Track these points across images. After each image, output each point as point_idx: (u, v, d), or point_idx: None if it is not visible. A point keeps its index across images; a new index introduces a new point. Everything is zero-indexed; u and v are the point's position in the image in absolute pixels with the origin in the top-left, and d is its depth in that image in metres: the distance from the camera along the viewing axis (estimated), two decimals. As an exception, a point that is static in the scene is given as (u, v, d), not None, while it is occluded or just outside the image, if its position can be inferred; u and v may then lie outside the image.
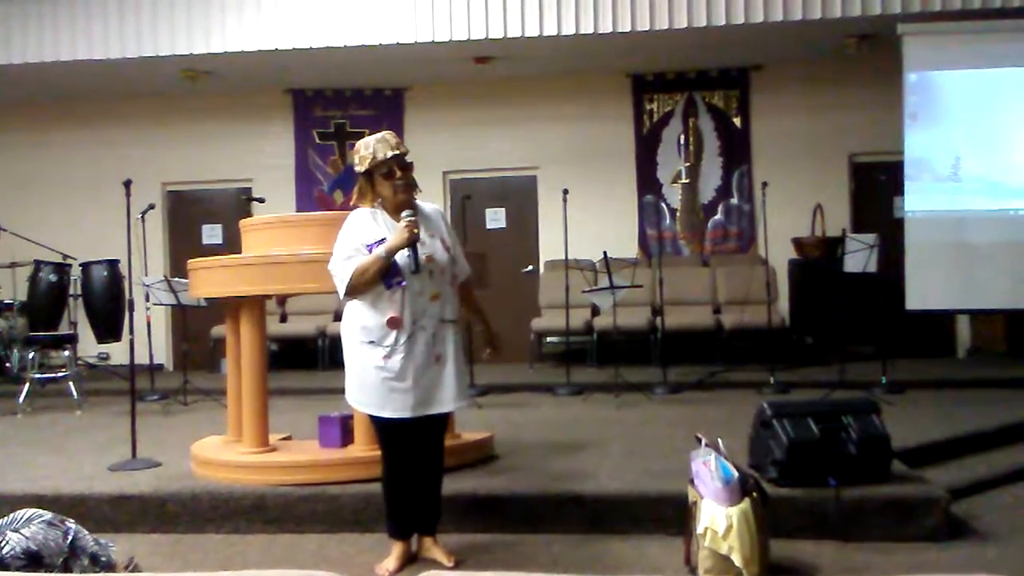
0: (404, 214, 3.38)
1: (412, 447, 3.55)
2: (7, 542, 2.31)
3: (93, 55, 8.34)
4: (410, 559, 3.61)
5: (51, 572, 2.32)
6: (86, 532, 2.50)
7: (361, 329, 3.48)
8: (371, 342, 3.44)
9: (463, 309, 3.71)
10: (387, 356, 3.43)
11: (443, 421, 3.71)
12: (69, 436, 5.97)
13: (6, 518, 2.43)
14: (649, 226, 9.53)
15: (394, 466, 3.59)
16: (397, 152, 3.43)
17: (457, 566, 3.52)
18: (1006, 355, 8.40)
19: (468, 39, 8.04)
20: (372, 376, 3.46)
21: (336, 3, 8.10)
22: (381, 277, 3.38)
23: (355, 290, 3.41)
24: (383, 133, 3.51)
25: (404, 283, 3.38)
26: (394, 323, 3.41)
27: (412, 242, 3.35)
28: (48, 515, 2.45)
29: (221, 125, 9.91)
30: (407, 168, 3.48)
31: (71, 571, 2.37)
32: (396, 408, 3.46)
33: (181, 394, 7.35)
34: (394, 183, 3.44)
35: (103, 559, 2.50)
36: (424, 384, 3.46)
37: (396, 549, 3.61)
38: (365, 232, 3.45)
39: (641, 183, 9.57)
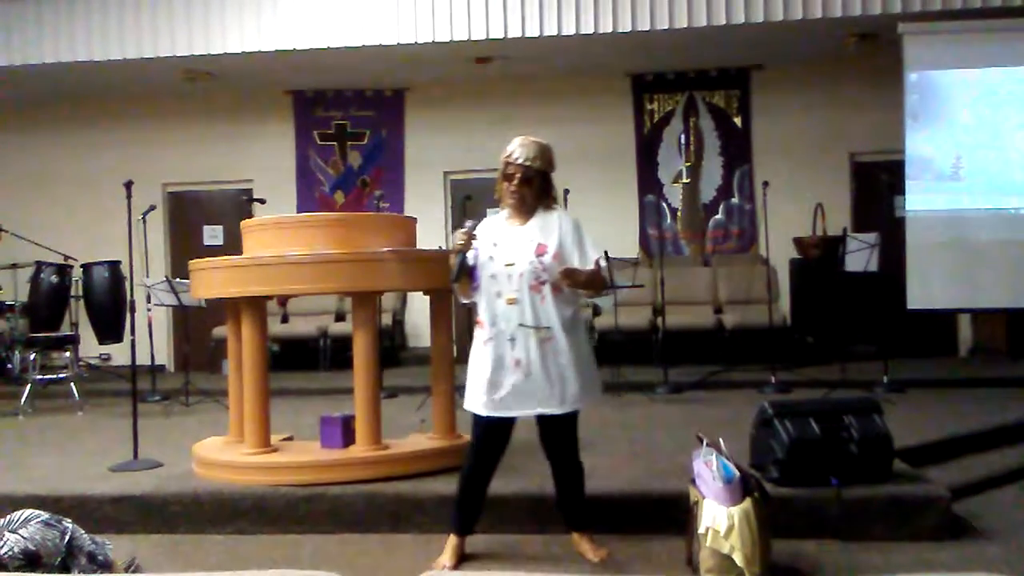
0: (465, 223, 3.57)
1: (491, 446, 3.59)
2: (5, 543, 2.31)
3: (94, 56, 8.35)
4: (463, 557, 3.64)
5: (49, 572, 2.32)
6: (83, 531, 2.51)
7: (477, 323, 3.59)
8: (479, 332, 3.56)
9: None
10: (480, 353, 3.53)
11: (557, 423, 3.63)
12: (71, 437, 5.97)
13: (3, 519, 2.43)
14: (650, 226, 9.53)
15: (472, 462, 3.64)
16: (518, 161, 3.51)
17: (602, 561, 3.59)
18: (1007, 354, 8.38)
19: (468, 39, 8.04)
20: (472, 370, 3.56)
21: (336, 4, 8.10)
22: (465, 278, 3.52)
23: (455, 289, 3.60)
24: (536, 141, 3.58)
25: (477, 286, 3.54)
26: (479, 324, 3.54)
27: (459, 250, 3.47)
28: (45, 515, 2.45)
29: (222, 126, 9.91)
30: (525, 182, 3.53)
31: (69, 571, 2.37)
32: (473, 404, 3.54)
33: (182, 395, 7.35)
34: (508, 187, 3.56)
35: (100, 558, 2.51)
36: (507, 385, 3.47)
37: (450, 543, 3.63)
38: (481, 235, 3.57)
39: (642, 183, 9.57)
